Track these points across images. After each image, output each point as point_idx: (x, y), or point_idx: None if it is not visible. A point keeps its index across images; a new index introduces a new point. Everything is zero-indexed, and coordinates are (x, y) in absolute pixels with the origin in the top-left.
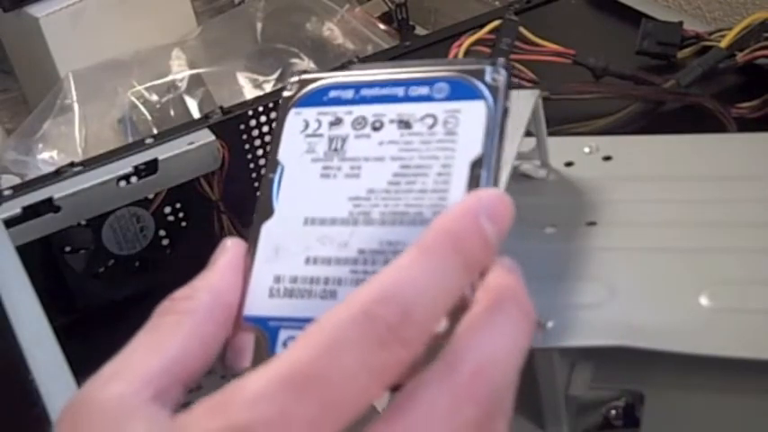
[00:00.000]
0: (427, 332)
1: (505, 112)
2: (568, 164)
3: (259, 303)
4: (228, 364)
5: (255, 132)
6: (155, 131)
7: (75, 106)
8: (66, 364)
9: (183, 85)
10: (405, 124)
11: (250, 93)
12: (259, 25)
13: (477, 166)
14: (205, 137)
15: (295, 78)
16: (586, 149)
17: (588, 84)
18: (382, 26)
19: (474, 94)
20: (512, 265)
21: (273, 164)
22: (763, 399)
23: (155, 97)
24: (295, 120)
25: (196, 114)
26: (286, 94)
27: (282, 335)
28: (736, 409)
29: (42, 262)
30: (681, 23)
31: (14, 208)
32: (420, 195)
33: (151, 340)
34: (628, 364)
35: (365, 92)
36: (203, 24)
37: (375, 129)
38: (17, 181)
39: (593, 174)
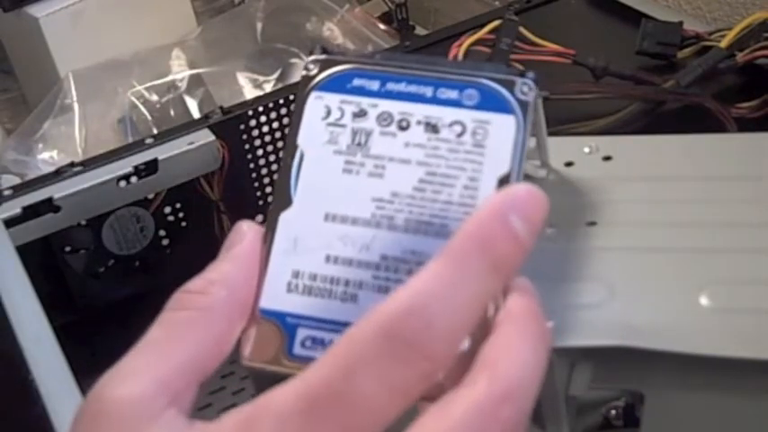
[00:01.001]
0: (455, 343)
1: (531, 128)
2: (568, 164)
3: (277, 297)
4: (240, 352)
5: (255, 132)
6: (155, 131)
7: (76, 106)
8: (66, 364)
9: (183, 85)
10: (432, 128)
11: (250, 93)
12: (259, 25)
13: (504, 183)
14: (205, 137)
15: (316, 57)
16: (586, 149)
17: (588, 84)
18: (382, 26)
19: (504, 108)
20: (527, 285)
21: (293, 148)
22: (763, 399)
23: (155, 97)
24: (316, 104)
25: (196, 114)
26: (305, 73)
27: (301, 333)
28: (736, 409)
29: (42, 262)
30: (681, 23)
31: (14, 208)
32: (445, 207)
33: (166, 338)
34: (628, 364)
35: (391, 86)
36: (203, 24)
37: (401, 128)
38: (17, 181)
39: (593, 174)
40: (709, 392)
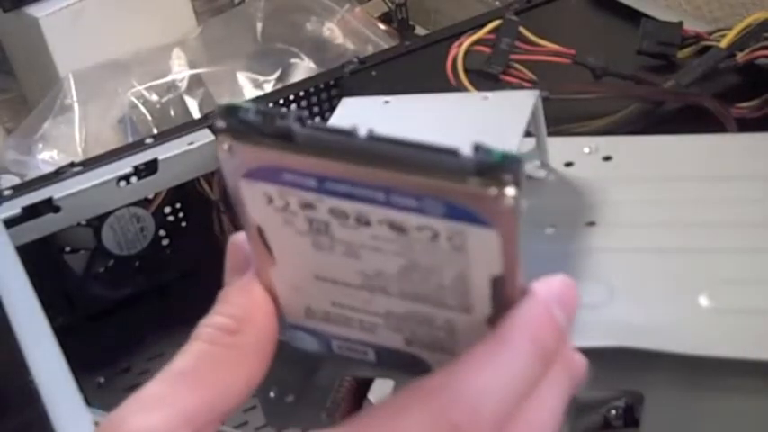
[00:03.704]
0: (497, 425)
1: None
2: (568, 164)
3: (299, 319)
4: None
5: None
6: (155, 131)
7: (76, 106)
8: (66, 364)
9: (183, 85)
10: (398, 229)
11: (250, 93)
12: (259, 25)
13: (499, 284)
14: (205, 137)
15: (222, 143)
16: (586, 149)
17: (588, 84)
18: (382, 26)
19: (477, 219)
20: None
21: (252, 225)
22: (763, 399)
23: (155, 97)
24: (252, 190)
25: (196, 114)
26: (221, 158)
27: (335, 343)
28: (736, 410)
29: (42, 262)
30: (681, 23)
31: (14, 208)
32: (438, 290)
33: (195, 370)
34: (628, 365)
35: (333, 186)
36: (203, 24)
37: (362, 224)
38: (17, 181)
39: (592, 174)
40: (710, 392)
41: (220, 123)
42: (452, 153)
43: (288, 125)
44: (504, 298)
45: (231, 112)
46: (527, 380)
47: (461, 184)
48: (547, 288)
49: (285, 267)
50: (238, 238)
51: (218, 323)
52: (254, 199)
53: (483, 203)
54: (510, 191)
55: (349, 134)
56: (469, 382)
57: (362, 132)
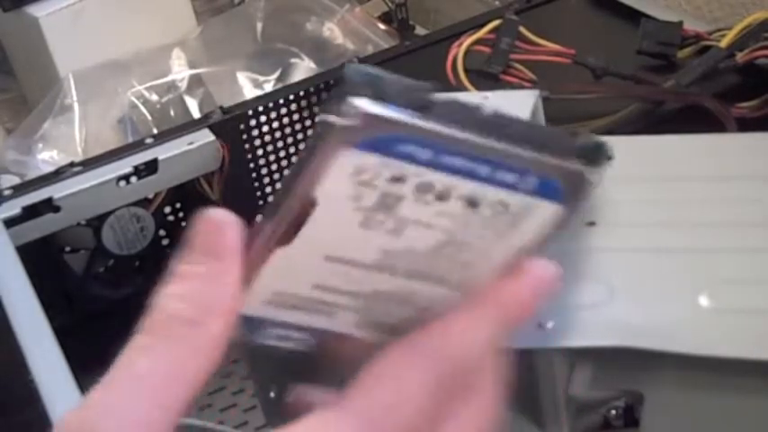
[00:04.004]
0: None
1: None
2: None
3: (249, 308)
4: None
5: (255, 132)
6: (155, 131)
7: (76, 106)
8: (66, 364)
9: (183, 85)
10: (472, 204)
11: (250, 93)
12: (259, 25)
13: (521, 253)
14: (205, 137)
15: (360, 107)
16: None
17: (588, 84)
18: (382, 26)
19: (557, 197)
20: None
21: (306, 197)
22: (763, 399)
23: (155, 97)
24: (348, 160)
25: (196, 114)
26: (341, 122)
27: (271, 331)
28: (737, 409)
29: (42, 262)
30: (681, 23)
31: (14, 208)
32: (454, 266)
33: (155, 373)
34: (628, 365)
35: (445, 158)
36: (203, 24)
37: (438, 199)
38: (17, 181)
39: None
40: (709, 392)
41: (356, 88)
42: (561, 135)
43: (422, 96)
44: (513, 265)
45: (368, 78)
46: (490, 346)
47: (567, 162)
48: (542, 267)
49: (299, 249)
50: (216, 216)
51: (180, 311)
52: (342, 170)
53: (575, 180)
54: (600, 171)
55: (476, 109)
56: (455, 340)
57: (488, 108)
